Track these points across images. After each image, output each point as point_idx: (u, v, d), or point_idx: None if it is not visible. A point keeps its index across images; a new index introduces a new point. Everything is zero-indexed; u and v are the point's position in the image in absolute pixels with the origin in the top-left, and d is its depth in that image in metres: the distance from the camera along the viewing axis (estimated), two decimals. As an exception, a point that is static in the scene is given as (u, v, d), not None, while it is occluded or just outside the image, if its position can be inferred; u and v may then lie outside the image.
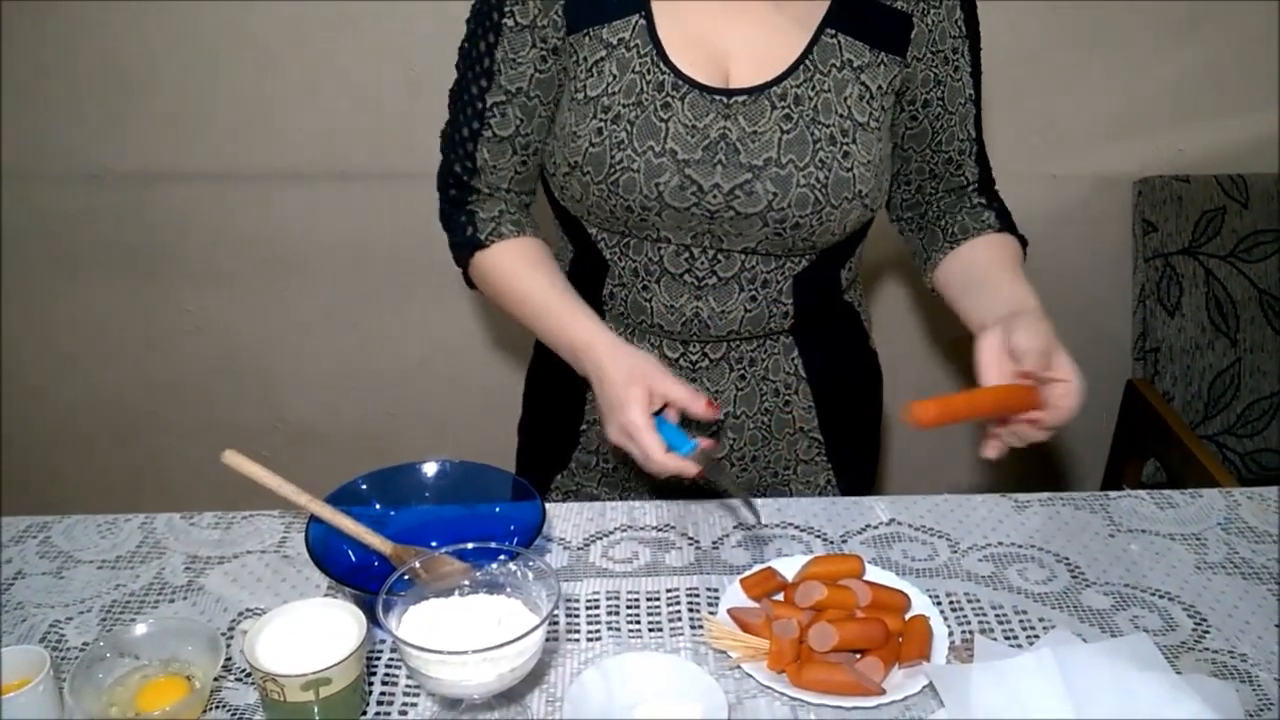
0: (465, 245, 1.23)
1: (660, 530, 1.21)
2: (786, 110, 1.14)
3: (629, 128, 1.13)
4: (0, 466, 2.29)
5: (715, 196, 1.14)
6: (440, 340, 2.22)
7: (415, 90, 1.95)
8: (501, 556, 0.96)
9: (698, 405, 1.09)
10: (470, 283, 1.28)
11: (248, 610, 1.08)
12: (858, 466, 1.41)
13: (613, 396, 1.10)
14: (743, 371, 1.29)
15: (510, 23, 1.15)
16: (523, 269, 1.21)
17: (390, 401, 2.28)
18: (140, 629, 0.98)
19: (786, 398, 1.32)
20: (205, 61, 1.94)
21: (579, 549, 1.18)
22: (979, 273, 1.23)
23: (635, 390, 1.08)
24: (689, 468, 1.07)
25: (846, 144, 1.15)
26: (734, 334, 1.25)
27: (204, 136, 2.00)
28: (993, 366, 1.06)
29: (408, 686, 0.99)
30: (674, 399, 1.09)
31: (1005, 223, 1.28)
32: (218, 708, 0.96)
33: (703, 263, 1.20)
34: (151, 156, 2.01)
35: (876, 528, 1.22)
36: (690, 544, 1.18)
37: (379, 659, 1.02)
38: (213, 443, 1.10)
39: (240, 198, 2.05)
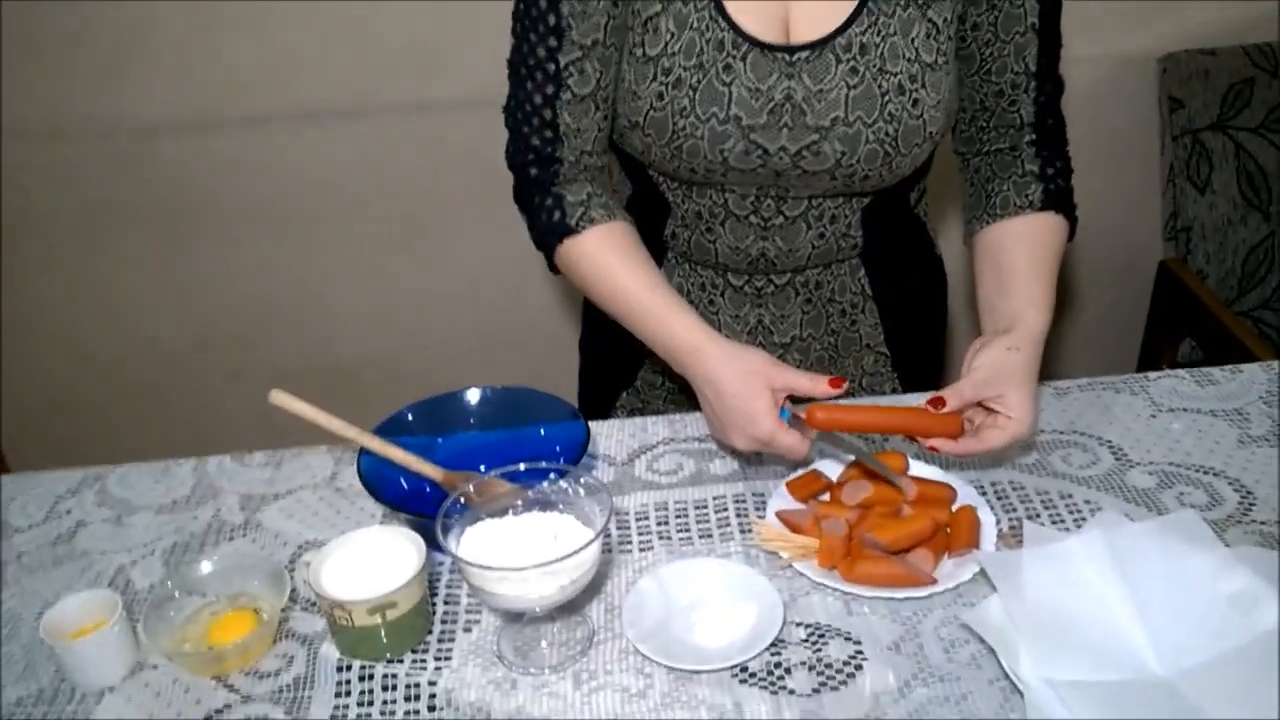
0: (554, 232, 1.15)
1: (702, 441, 1.22)
2: (852, 63, 1.08)
3: (691, 93, 1.09)
4: (54, 427, 2.33)
5: (782, 158, 1.12)
6: (475, 270, 2.22)
7: (422, 17, 1.92)
8: (551, 475, 0.97)
9: (820, 387, 1.05)
10: (553, 267, 1.20)
11: (306, 543, 1.11)
12: (924, 375, 1.40)
13: (736, 408, 1.05)
14: (809, 295, 1.28)
15: None
16: (616, 260, 1.14)
17: (429, 335, 2.29)
18: (205, 567, 1.01)
19: (853, 317, 1.31)
20: (206, 6, 1.91)
21: (624, 464, 1.19)
22: (1005, 265, 1.16)
23: (760, 404, 1.04)
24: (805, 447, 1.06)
25: (915, 90, 1.09)
26: (800, 267, 1.24)
27: (211, 83, 1.98)
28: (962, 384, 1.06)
29: (470, 604, 1.02)
30: (796, 389, 1.06)
31: (1053, 200, 1.18)
32: (288, 637, 0.99)
33: (769, 205, 1.18)
34: (168, 105, 2.00)
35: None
36: (733, 452, 1.19)
37: (439, 581, 1.04)
38: (256, 387, 1.10)
39: (255, 143, 2.04)
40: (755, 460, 1.18)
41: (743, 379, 1.06)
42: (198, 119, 2.01)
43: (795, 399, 1.07)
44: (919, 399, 1.26)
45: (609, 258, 1.14)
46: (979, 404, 1.07)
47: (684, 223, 1.23)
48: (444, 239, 2.18)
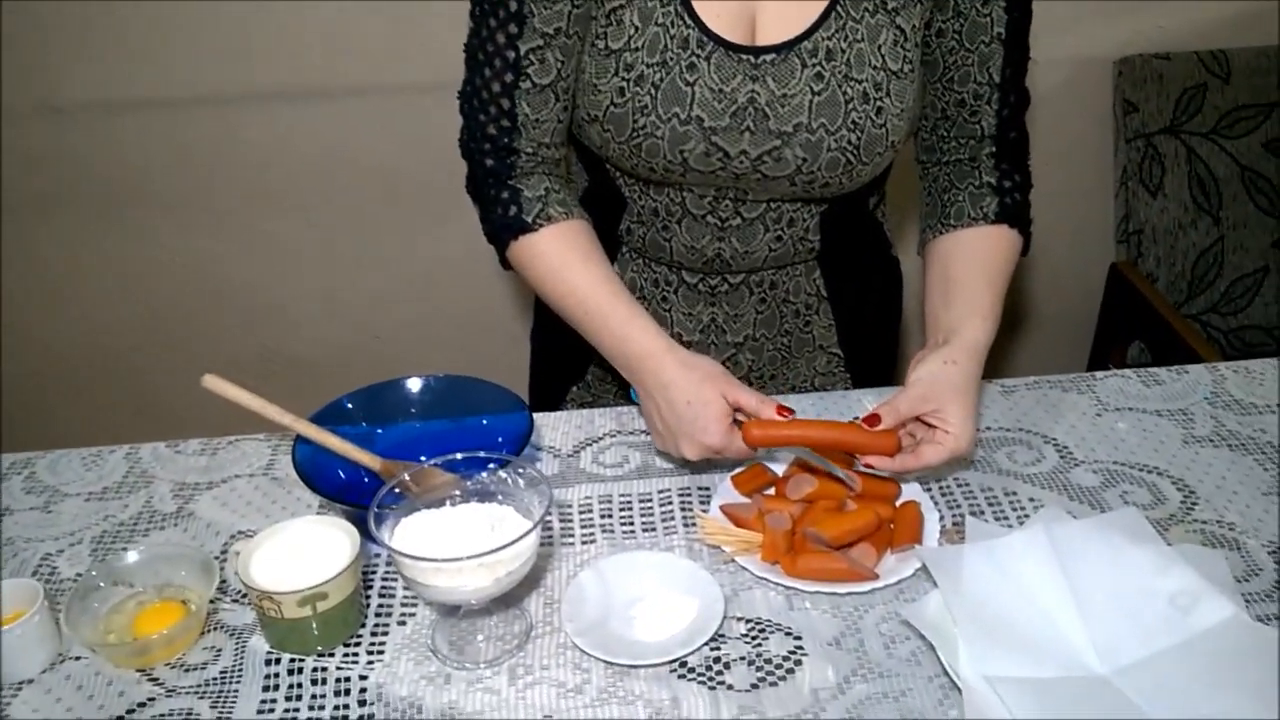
0: (509, 227, 1.12)
1: (649, 434, 1.20)
2: (818, 68, 1.07)
3: (653, 91, 1.07)
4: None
5: (742, 162, 1.10)
6: (427, 259, 2.19)
7: None
8: (491, 465, 0.95)
9: (766, 410, 1.04)
10: (505, 262, 1.17)
11: (239, 533, 1.08)
12: (876, 376, 1.39)
13: (688, 416, 1.04)
14: (763, 295, 1.26)
15: None
16: (573, 260, 1.12)
17: (379, 325, 2.26)
18: (132, 556, 0.99)
19: (807, 318, 1.30)
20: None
21: (569, 456, 1.18)
22: (952, 276, 1.14)
23: (712, 411, 1.03)
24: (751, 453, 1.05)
25: (880, 99, 1.08)
26: (756, 268, 1.23)
27: (167, 61, 1.93)
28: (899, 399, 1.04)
29: (405, 598, 0.99)
30: (744, 406, 1.04)
31: (1008, 213, 1.16)
32: (216, 629, 0.96)
33: (727, 205, 1.16)
34: (115, 85, 1.95)
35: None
36: (683, 461, 1.17)
37: (374, 573, 1.02)
38: (199, 376, 1.07)
39: (209, 124, 2.00)
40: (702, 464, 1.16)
41: (696, 387, 1.04)
42: (145, 99, 1.97)
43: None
44: (869, 394, 1.26)
45: (565, 258, 1.12)
46: (919, 420, 1.05)
47: (639, 219, 1.22)
48: (396, 226, 2.14)
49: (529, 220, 1.12)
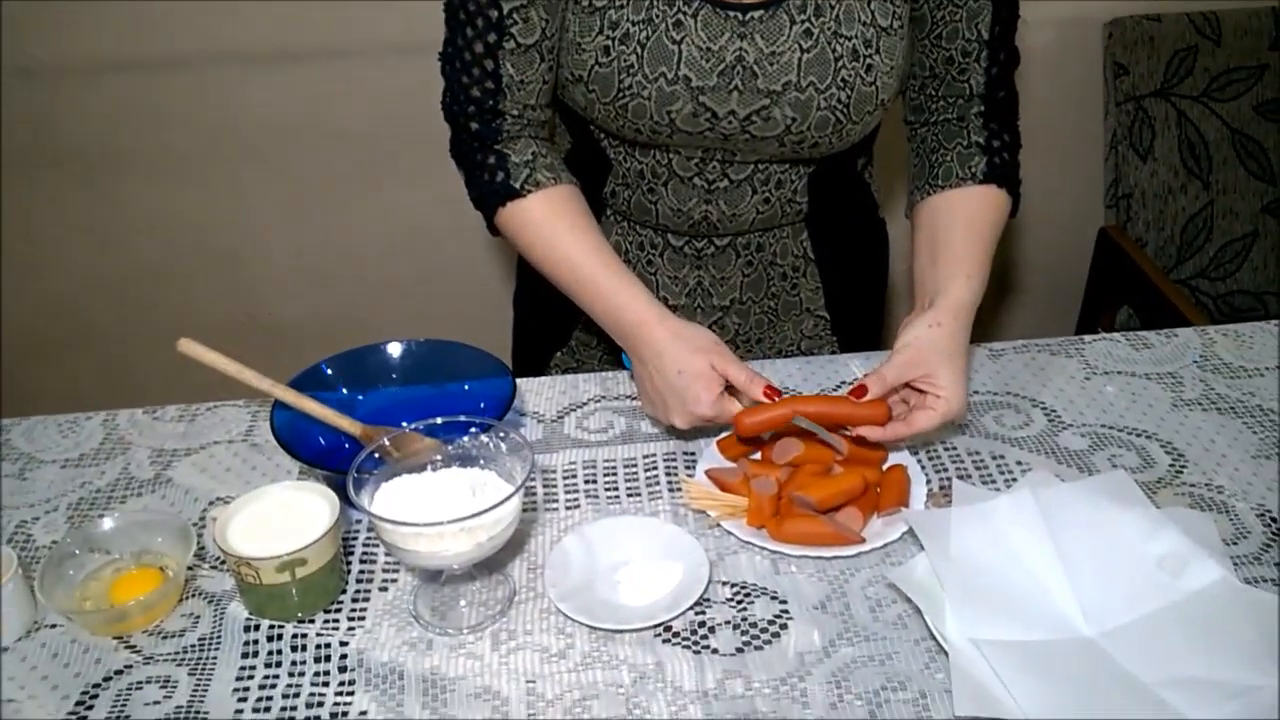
0: (497, 194, 1.10)
1: (634, 399, 1.19)
2: (806, 24, 1.04)
3: (639, 49, 1.04)
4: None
5: (730, 122, 1.08)
6: (409, 223, 2.16)
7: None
8: (473, 430, 0.94)
9: (756, 389, 1.02)
10: (493, 229, 1.15)
11: (218, 499, 1.06)
12: (863, 339, 1.38)
13: (679, 385, 1.03)
14: (749, 258, 1.25)
15: None
16: (563, 227, 1.09)
17: (360, 290, 2.23)
18: (108, 523, 0.97)
19: (794, 281, 1.29)
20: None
21: (553, 422, 1.16)
22: (939, 237, 1.12)
23: (703, 382, 1.02)
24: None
25: (870, 56, 1.06)
26: (743, 230, 1.21)
27: (139, 22, 1.89)
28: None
29: (387, 563, 0.98)
30: (734, 381, 1.03)
31: (996, 173, 1.14)
32: (194, 596, 0.95)
33: (714, 167, 1.14)
34: (85, 46, 1.91)
35: (852, 383, 1.20)
36: (669, 429, 1.16)
37: (356, 539, 1.01)
38: (175, 341, 1.05)
39: (185, 86, 1.96)
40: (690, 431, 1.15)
41: (688, 357, 1.03)
42: (118, 60, 1.93)
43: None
44: (856, 358, 1.25)
45: (555, 225, 1.10)
46: (910, 386, 1.04)
47: (625, 181, 1.20)
48: (378, 190, 2.11)
49: (517, 186, 1.10)
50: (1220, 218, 2.02)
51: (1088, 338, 1.28)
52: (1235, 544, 0.97)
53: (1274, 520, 1.00)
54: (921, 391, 1.03)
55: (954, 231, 1.11)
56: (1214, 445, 1.10)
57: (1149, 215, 2.01)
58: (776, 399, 1.02)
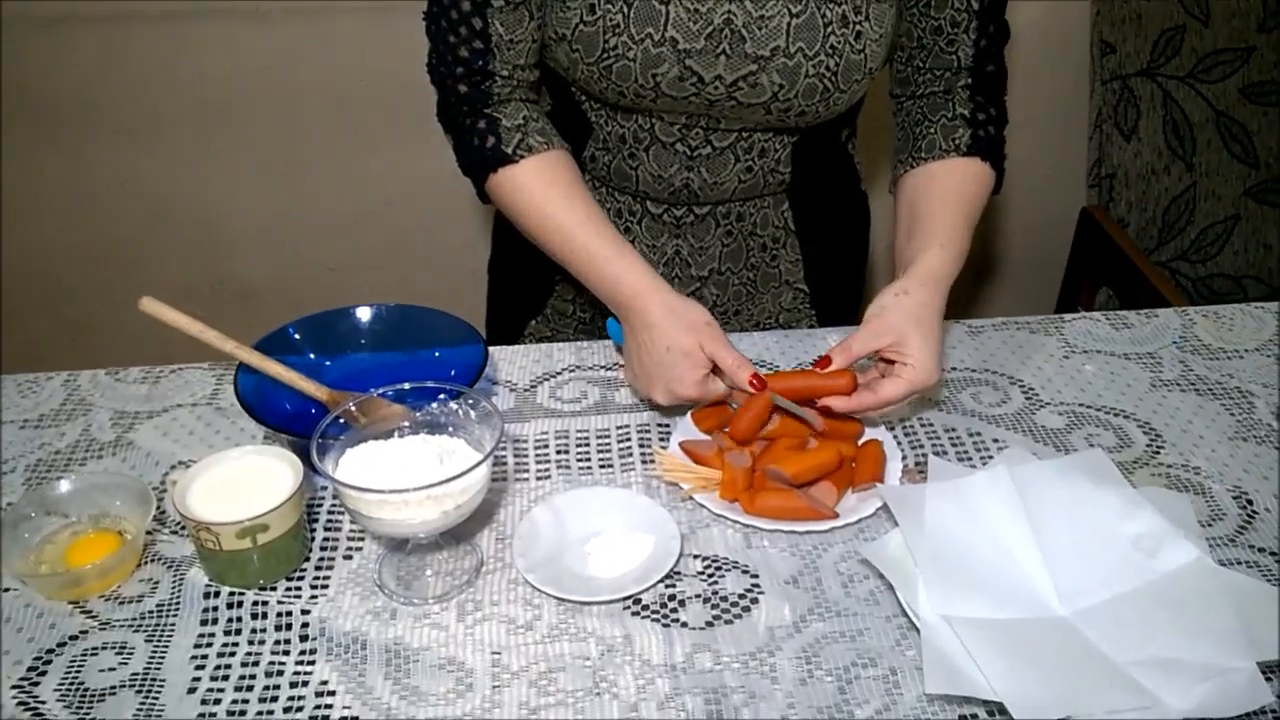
0: (487, 160, 1.07)
1: (609, 369, 1.17)
2: None
3: (625, 8, 1.02)
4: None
5: (717, 88, 1.05)
6: (383, 187, 2.11)
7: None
8: (441, 396, 0.92)
9: (741, 376, 0.99)
10: (482, 196, 1.13)
11: (180, 463, 1.04)
12: (842, 312, 1.36)
13: (666, 363, 1.01)
14: (729, 228, 1.23)
15: None
16: (556, 195, 1.07)
17: (332, 254, 2.19)
18: (65, 485, 0.95)
19: (774, 252, 1.27)
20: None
21: (526, 391, 1.14)
22: (919, 209, 1.10)
23: (688, 363, 1.00)
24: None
25: (859, 22, 1.04)
26: (724, 199, 1.19)
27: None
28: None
29: (352, 531, 0.96)
30: (720, 363, 1.00)
31: (980, 146, 1.12)
32: (153, 561, 0.93)
33: (697, 134, 1.12)
34: None
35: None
36: (649, 402, 1.14)
37: (320, 506, 0.99)
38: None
39: (154, 40, 1.91)
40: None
41: (678, 335, 1.01)
42: (84, 13, 1.87)
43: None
44: (834, 332, 1.23)
45: (548, 192, 1.07)
46: (881, 357, 1.02)
47: (605, 146, 1.17)
48: (351, 151, 2.06)
49: (509, 151, 1.07)
50: (1203, 200, 2.01)
51: (1067, 316, 1.27)
52: (1211, 525, 0.97)
53: (1249, 502, 0.99)
54: (891, 361, 1.01)
55: (932, 202, 1.10)
56: (1191, 426, 1.09)
57: (1131, 196, 2.00)
58: (761, 388, 1.00)
